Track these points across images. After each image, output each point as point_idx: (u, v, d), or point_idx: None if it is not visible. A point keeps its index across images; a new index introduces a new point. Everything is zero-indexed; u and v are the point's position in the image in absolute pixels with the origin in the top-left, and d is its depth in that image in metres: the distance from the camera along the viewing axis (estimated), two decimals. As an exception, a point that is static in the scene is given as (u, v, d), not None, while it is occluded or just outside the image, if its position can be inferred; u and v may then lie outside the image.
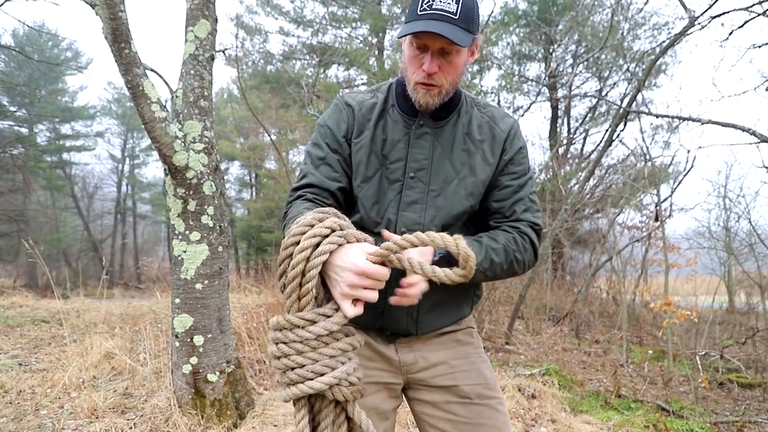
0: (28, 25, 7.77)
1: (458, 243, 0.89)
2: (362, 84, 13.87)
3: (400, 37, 1.16)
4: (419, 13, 1.10)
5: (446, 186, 1.24)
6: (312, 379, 0.88)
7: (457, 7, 1.09)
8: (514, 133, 1.30)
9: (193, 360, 3.07)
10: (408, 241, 0.90)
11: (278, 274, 0.93)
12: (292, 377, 0.89)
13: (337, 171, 1.26)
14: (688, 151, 8.64)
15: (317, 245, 0.90)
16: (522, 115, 13.34)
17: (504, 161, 1.27)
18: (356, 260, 0.90)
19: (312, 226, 0.92)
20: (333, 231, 0.92)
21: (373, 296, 0.92)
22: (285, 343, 0.90)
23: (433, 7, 1.08)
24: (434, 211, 1.23)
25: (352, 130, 1.28)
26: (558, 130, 15.11)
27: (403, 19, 13.71)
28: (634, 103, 6.26)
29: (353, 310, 0.92)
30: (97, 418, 3.11)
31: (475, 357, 1.34)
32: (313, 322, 0.89)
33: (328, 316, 0.90)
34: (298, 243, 0.91)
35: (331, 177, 1.25)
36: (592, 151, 13.31)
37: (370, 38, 14.01)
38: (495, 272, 1.19)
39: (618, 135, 7.52)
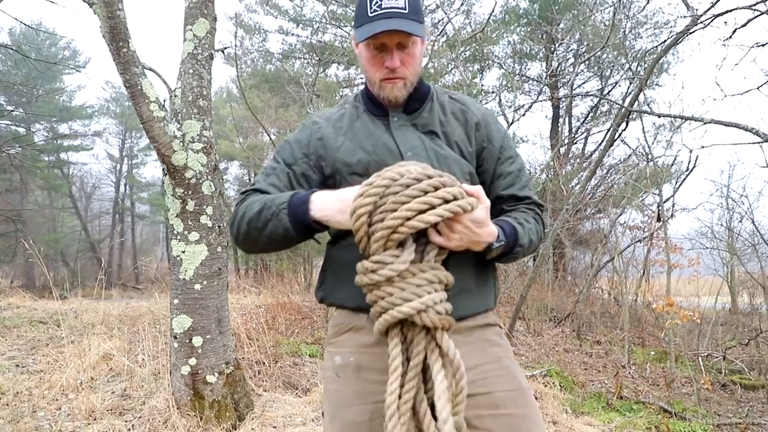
0: (25, 24, 7.73)
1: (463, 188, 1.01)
2: (362, 83, 13.82)
3: (360, 42, 1.18)
4: (370, 15, 1.14)
5: (445, 159, 1.23)
6: (400, 305, 0.97)
7: (405, 2, 1.14)
8: (492, 119, 1.32)
9: (192, 361, 3.04)
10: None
11: (359, 206, 0.98)
12: (384, 305, 0.98)
13: (282, 182, 1.24)
14: (691, 151, 8.57)
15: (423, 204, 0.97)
16: (523, 115, 13.36)
17: (496, 148, 1.29)
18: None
19: (419, 180, 0.98)
20: (446, 201, 0.98)
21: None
22: (376, 280, 0.99)
23: (383, 6, 1.13)
24: None
25: (322, 143, 1.26)
26: (559, 129, 15.08)
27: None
28: (636, 102, 6.22)
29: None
30: (95, 419, 3.08)
31: (508, 361, 1.24)
32: (397, 257, 0.99)
33: (397, 258, 1.00)
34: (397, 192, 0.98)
35: (275, 185, 1.24)
36: (594, 151, 13.32)
37: (369, 37, 13.97)
38: (530, 250, 1.22)
39: (620, 134, 7.51)
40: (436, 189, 0.97)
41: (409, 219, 0.95)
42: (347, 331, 1.23)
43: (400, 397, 0.98)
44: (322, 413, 1.29)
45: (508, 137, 1.33)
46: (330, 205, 1.06)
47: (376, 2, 1.14)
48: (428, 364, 0.99)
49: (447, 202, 0.96)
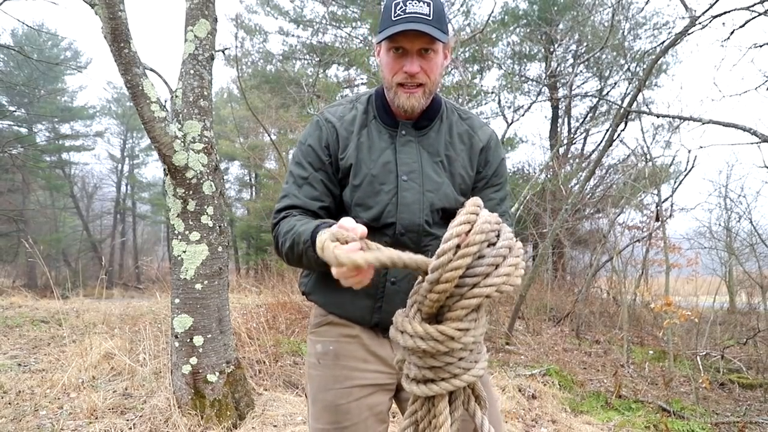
0: (27, 25, 7.76)
1: (425, 261, 0.90)
2: (362, 84, 13.86)
3: (380, 42, 1.18)
4: (394, 18, 1.15)
5: (438, 187, 1.26)
6: (473, 368, 0.91)
7: (430, 10, 1.14)
8: (495, 144, 1.35)
9: (193, 360, 3.06)
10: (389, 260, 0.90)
11: (454, 267, 0.85)
12: (455, 371, 0.90)
13: (319, 190, 1.27)
14: (689, 151, 8.61)
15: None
16: (523, 115, 13.40)
17: (488, 174, 1.33)
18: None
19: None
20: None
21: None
22: (452, 347, 0.89)
23: (407, 11, 1.13)
24: (429, 210, 1.25)
25: (337, 145, 1.28)
26: (558, 129, 15.11)
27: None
28: (635, 102, 6.25)
29: None
30: (96, 418, 3.10)
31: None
32: (476, 321, 0.91)
33: (476, 322, 0.91)
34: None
35: (313, 197, 1.26)
36: (593, 151, 13.32)
37: (369, 38, 14.00)
38: None
39: (619, 135, 7.51)
40: (514, 242, 0.90)
41: (502, 284, 0.86)
42: (327, 323, 1.34)
43: None
44: (305, 395, 1.41)
45: (504, 165, 1.37)
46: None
47: (401, 7, 1.14)
48: (468, 411, 0.97)
49: (519, 259, 0.90)
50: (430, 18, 1.14)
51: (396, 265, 0.88)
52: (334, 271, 0.88)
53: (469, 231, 0.86)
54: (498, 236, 0.89)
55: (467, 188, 1.31)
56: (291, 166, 1.33)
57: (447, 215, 1.25)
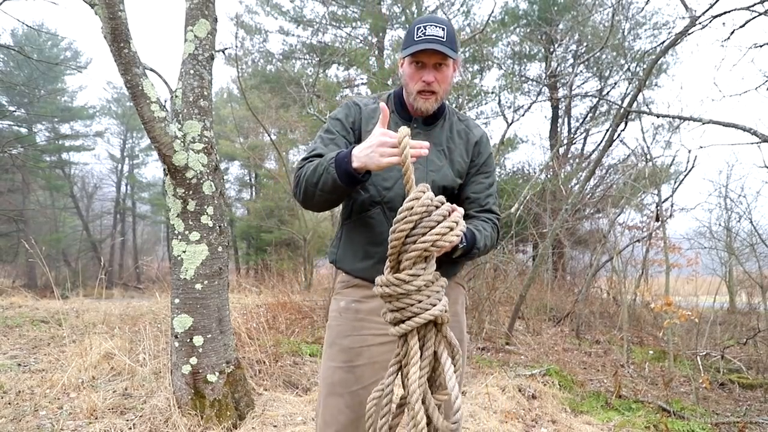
0: (27, 25, 7.74)
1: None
2: (362, 84, 13.87)
3: (405, 57, 1.49)
4: (416, 39, 1.46)
5: (439, 169, 1.58)
6: (431, 309, 1.18)
7: (444, 33, 1.46)
8: (486, 140, 1.69)
9: (193, 360, 3.06)
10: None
11: (399, 229, 1.17)
12: (416, 310, 1.19)
13: (342, 148, 1.48)
14: (689, 151, 8.58)
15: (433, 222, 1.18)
16: (523, 115, 13.39)
17: (479, 162, 1.65)
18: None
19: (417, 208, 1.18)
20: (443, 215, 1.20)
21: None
22: (408, 290, 1.18)
23: (427, 33, 1.45)
24: (431, 185, 1.49)
25: (360, 121, 1.59)
26: (558, 129, 15.11)
27: (402, 18, 13.73)
28: (635, 102, 6.24)
29: None
30: (96, 418, 3.10)
31: (461, 317, 1.68)
32: (425, 270, 1.20)
33: (425, 270, 1.20)
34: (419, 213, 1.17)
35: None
36: (593, 151, 13.33)
37: (370, 38, 14.01)
38: (485, 252, 1.53)
39: (619, 135, 7.51)
40: (450, 213, 1.20)
41: (437, 241, 1.17)
42: (352, 286, 1.60)
43: (418, 379, 1.20)
44: (322, 344, 1.63)
45: (491, 158, 1.71)
46: (363, 155, 1.28)
47: (422, 30, 1.45)
48: (437, 353, 1.22)
49: (457, 224, 1.20)
50: (444, 40, 1.45)
51: (408, 181, 1.19)
52: (382, 137, 1.24)
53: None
54: (437, 208, 1.19)
55: (464, 172, 1.62)
56: (319, 133, 1.59)
57: (446, 193, 1.58)
